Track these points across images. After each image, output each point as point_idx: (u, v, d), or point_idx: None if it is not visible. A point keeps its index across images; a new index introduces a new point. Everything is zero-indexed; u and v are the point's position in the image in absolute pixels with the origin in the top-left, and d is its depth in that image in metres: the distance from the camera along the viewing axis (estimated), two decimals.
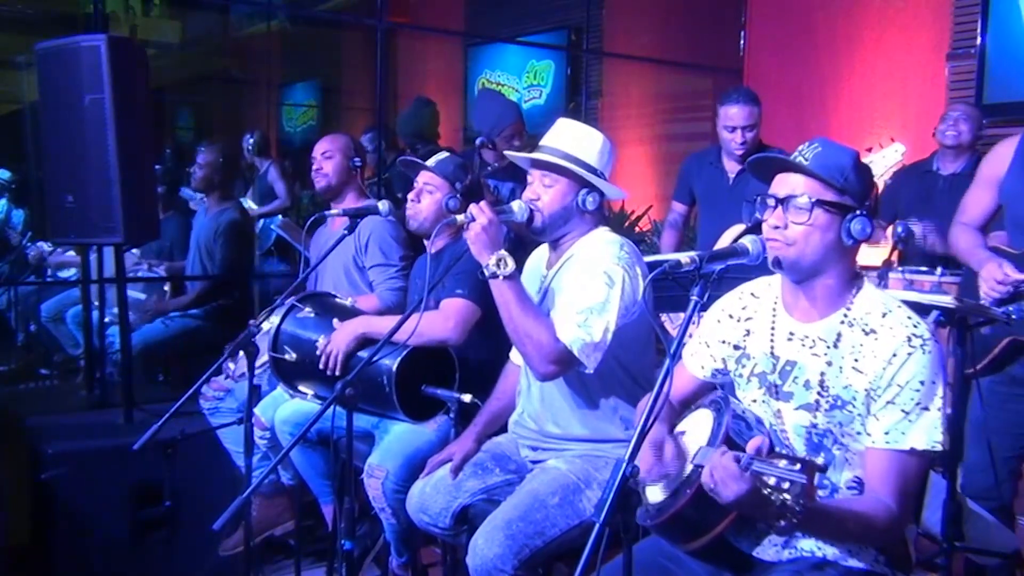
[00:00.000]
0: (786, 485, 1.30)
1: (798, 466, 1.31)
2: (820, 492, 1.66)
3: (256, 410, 2.63)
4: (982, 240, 2.67)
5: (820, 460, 1.64)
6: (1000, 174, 2.61)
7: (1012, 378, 2.57)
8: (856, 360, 1.61)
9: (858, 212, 1.61)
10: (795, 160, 1.63)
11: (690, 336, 1.87)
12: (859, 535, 1.57)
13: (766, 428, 1.70)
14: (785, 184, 1.64)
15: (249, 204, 5.63)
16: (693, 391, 1.89)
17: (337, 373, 2.55)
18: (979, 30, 4.52)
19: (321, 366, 2.58)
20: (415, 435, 2.60)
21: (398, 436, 2.63)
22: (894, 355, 1.57)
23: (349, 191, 3.19)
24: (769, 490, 1.32)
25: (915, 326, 1.60)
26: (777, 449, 1.69)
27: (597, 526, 1.32)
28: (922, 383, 1.56)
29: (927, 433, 1.57)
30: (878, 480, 1.58)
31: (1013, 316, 2.46)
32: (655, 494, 1.70)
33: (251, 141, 6.17)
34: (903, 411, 1.57)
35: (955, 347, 2.39)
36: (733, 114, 3.41)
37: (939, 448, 1.57)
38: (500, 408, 2.41)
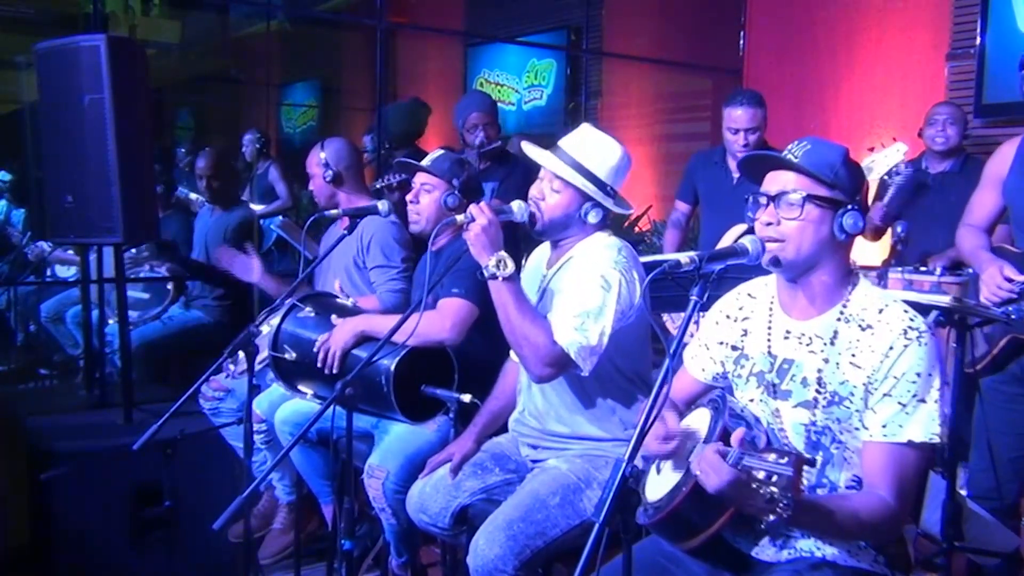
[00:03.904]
0: (774, 478, 1.32)
1: (785, 459, 1.33)
2: (819, 491, 1.66)
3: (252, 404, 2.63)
4: (986, 242, 2.67)
5: (818, 458, 1.65)
6: (1003, 174, 2.62)
7: (1014, 377, 2.57)
8: (853, 355, 1.62)
9: (849, 207, 1.62)
10: (785, 158, 1.65)
11: (690, 336, 1.88)
12: (855, 529, 1.56)
13: (764, 427, 1.70)
14: (776, 181, 1.66)
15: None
16: (698, 392, 1.90)
17: (334, 371, 2.55)
18: (978, 30, 4.52)
19: (319, 364, 2.58)
20: (415, 435, 2.60)
21: (398, 436, 2.63)
22: (891, 348, 1.58)
23: (340, 199, 3.17)
24: (757, 483, 1.34)
25: (911, 319, 1.60)
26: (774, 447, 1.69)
27: (596, 526, 1.32)
28: (918, 375, 1.56)
29: (924, 425, 1.57)
30: (876, 474, 1.58)
31: (1013, 316, 2.46)
32: (654, 482, 1.70)
33: (251, 141, 6.17)
34: (900, 403, 1.57)
35: (955, 347, 2.39)
36: (737, 116, 3.42)
37: (936, 440, 1.57)
38: (500, 407, 2.41)
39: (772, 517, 1.34)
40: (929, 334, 1.59)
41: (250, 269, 3.28)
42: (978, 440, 2.62)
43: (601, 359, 2.08)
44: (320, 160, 3.13)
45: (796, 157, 1.64)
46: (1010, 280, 2.45)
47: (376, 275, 2.98)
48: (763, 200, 1.66)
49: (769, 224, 1.64)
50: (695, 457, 1.53)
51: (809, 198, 1.61)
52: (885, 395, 1.58)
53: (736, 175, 3.52)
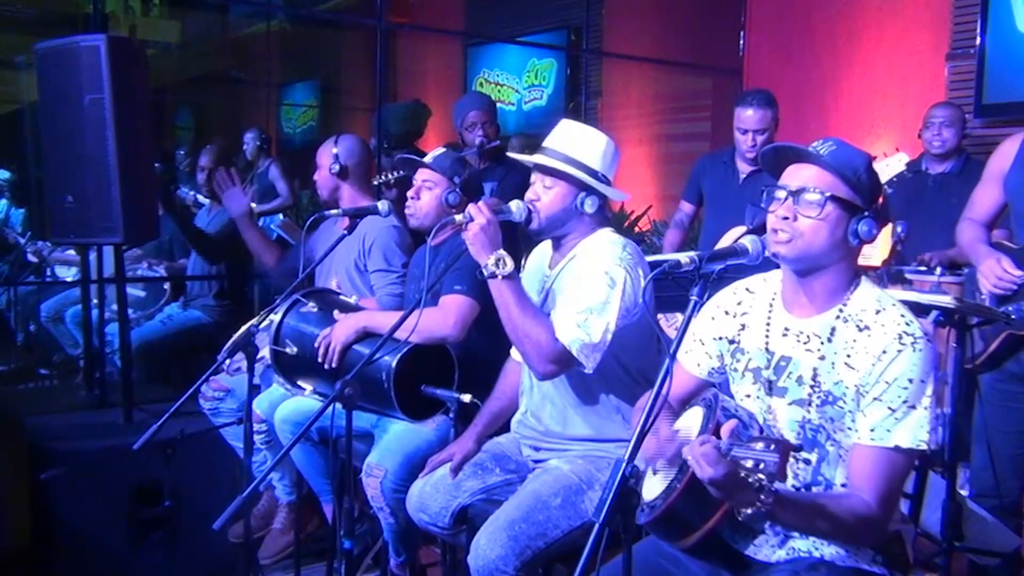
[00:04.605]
0: (761, 465, 1.33)
1: (772, 447, 1.34)
2: (815, 488, 1.66)
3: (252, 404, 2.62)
4: (985, 236, 2.68)
5: (814, 456, 1.65)
6: (1005, 169, 2.63)
7: (1012, 375, 2.58)
8: (848, 356, 1.61)
9: (866, 213, 1.61)
10: (811, 151, 1.63)
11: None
12: (834, 529, 1.56)
13: (759, 424, 1.70)
14: (798, 176, 1.63)
15: None
16: (692, 390, 1.89)
17: (333, 365, 2.55)
18: (978, 30, 4.52)
19: (320, 358, 2.58)
20: (414, 435, 2.60)
21: (397, 435, 2.63)
22: (884, 352, 1.57)
23: (343, 194, 3.17)
24: (746, 472, 1.34)
25: (907, 324, 1.59)
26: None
27: (596, 526, 1.32)
28: (910, 381, 1.56)
29: (912, 431, 1.56)
30: (861, 476, 1.58)
31: (1012, 316, 2.46)
32: (651, 483, 1.70)
33: (252, 139, 6.17)
34: (890, 408, 1.56)
35: (955, 347, 2.39)
36: (746, 117, 3.41)
37: (923, 447, 1.57)
38: (501, 407, 2.41)
39: (751, 510, 1.34)
40: (925, 340, 1.58)
41: (240, 203, 3.28)
42: (978, 439, 2.63)
43: (606, 357, 2.08)
44: (331, 152, 3.14)
45: (821, 155, 1.62)
46: (1008, 271, 2.46)
47: (376, 278, 2.97)
48: (781, 194, 1.63)
49: (785, 219, 1.62)
50: (687, 451, 1.54)
51: (831, 198, 1.59)
52: (876, 399, 1.57)
53: (743, 175, 3.52)
